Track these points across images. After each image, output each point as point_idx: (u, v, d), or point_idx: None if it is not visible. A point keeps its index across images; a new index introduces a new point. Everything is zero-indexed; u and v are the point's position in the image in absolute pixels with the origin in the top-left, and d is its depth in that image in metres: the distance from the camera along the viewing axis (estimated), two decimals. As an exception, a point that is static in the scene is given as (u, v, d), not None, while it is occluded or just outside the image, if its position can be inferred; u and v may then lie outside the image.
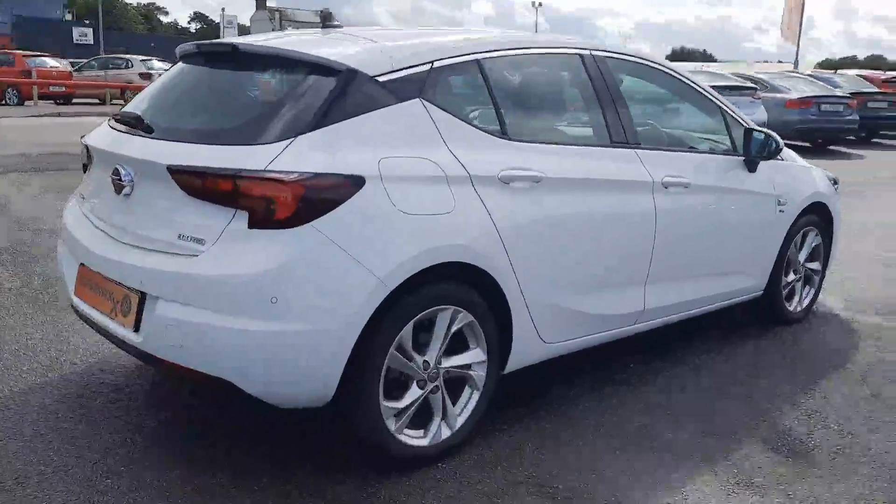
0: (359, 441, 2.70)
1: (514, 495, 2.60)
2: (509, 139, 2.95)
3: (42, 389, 3.29)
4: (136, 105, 3.17)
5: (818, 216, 4.52)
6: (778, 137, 4.02)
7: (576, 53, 3.41)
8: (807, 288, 4.63)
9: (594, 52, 3.46)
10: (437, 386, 2.75)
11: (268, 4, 25.57)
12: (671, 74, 3.85)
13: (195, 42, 3.22)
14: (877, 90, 18.44)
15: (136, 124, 2.94)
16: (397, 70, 2.73)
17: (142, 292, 2.59)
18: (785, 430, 3.15)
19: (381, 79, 2.68)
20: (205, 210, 2.49)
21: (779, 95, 15.25)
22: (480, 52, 3.02)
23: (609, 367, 3.68)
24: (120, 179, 2.74)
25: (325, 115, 2.55)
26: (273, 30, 19.58)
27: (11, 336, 3.88)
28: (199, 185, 2.50)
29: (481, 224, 2.75)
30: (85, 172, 3.28)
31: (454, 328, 2.74)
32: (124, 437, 2.91)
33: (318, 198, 2.42)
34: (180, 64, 3.25)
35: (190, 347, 2.46)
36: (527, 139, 3.04)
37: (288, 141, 2.48)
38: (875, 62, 77.67)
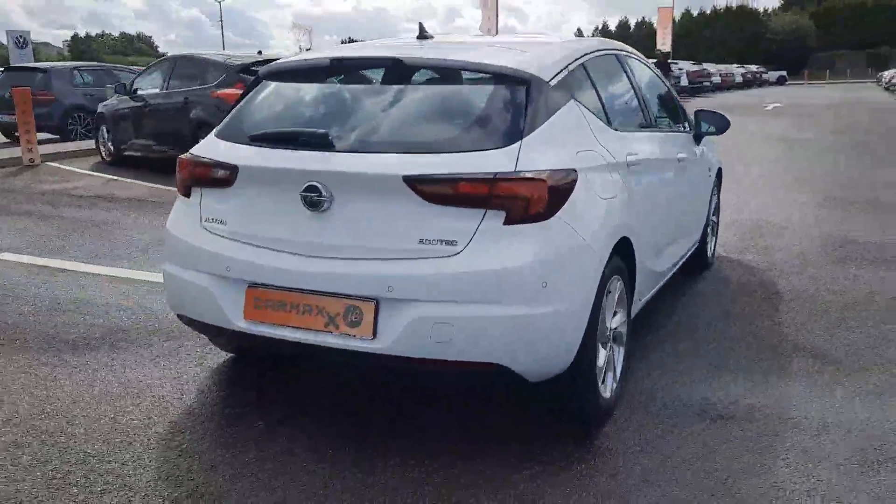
0: (576, 401, 3.02)
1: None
2: (615, 129, 3.44)
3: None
4: (273, 122, 3.19)
5: (717, 178, 5.59)
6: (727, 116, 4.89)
7: (614, 53, 3.98)
8: (711, 236, 5.70)
9: (620, 52, 4.07)
10: (611, 346, 3.19)
11: None
12: (649, 67, 4.58)
13: (339, 56, 3.21)
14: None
15: (308, 140, 2.94)
16: (557, 75, 3.08)
17: (375, 300, 2.68)
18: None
19: (552, 83, 3.02)
20: (448, 213, 2.65)
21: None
22: (587, 56, 3.50)
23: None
24: (319, 195, 2.75)
25: (534, 119, 2.83)
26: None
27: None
28: (446, 191, 2.64)
29: (628, 203, 3.24)
30: (189, 196, 3.16)
31: (617, 294, 3.20)
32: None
33: (560, 191, 2.72)
34: (305, 80, 3.32)
35: (459, 341, 2.61)
36: (622, 129, 3.56)
37: (517, 144, 2.73)
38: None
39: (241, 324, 2.93)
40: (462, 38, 3.69)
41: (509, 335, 2.64)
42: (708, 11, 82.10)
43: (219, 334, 3.19)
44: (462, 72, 3.06)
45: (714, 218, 5.64)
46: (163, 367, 3.75)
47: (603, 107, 3.46)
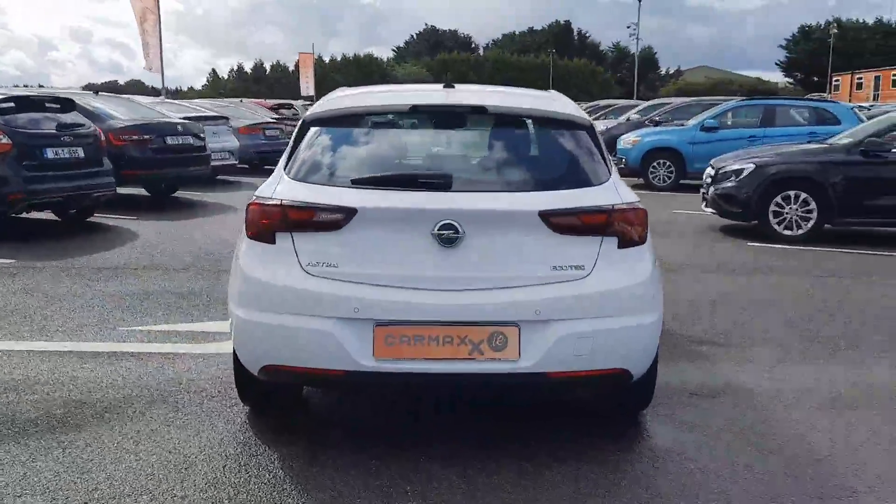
0: (649, 391, 3.70)
1: (684, 404, 4.10)
2: None
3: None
4: (371, 165, 3.45)
5: None
6: None
7: None
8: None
9: None
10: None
11: None
12: None
13: (420, 103, 3.53)
14: (273, 118, 20.90)
15: (431, 182, 3.27)
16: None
17: (517, 324, 3.15)
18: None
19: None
20: (574, 242, 3.22)
21: (233, 123, 16.93)
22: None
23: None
24: (455, 233, 3.12)
25: (606, 158, 3.54)
26: None
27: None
28: (574, 222, 3.22)
29: None
30: (272, 241, 3.23)
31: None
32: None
33: (647, 218, 3.41)
34: (378, 125, 3.61)
35: (594, 352, 3.19)
36: None
37: (610, 180, 3.42)
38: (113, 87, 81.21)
39: (369, 363, 3.11)
40: (483, 87, 4.24)
41: (632, 342, 3.29)
42: (339, 59, 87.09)
43: (337, 379, 3.24)
44: (543, 120, 3.61)
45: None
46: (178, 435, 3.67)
47: None
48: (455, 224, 3.13)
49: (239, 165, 15.97)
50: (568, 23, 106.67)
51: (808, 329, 5.53)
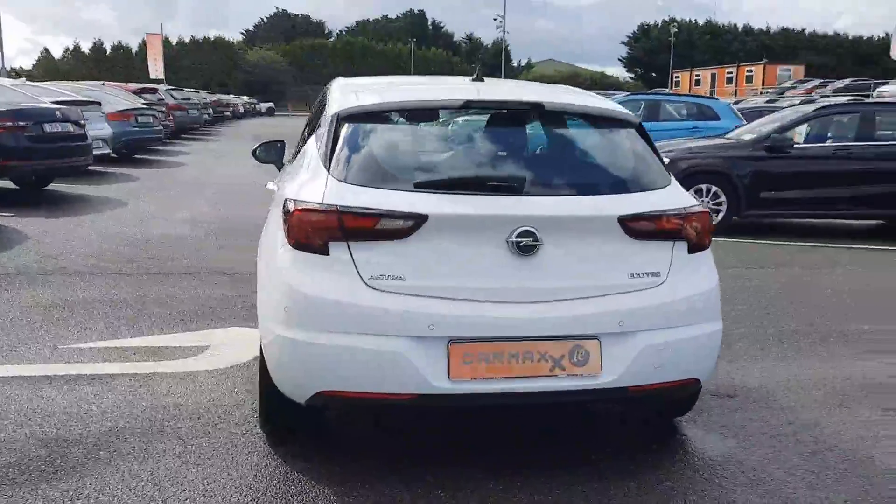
0: (696, 396, 3.60)
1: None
2: None
3: None
4: (430, 166, 3.17)
5: None
6: None
7: None
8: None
9: None
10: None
11: None
12: None
13: (473, 99, 3.26)
14: (143, 104, 19.57)
15: (503, 185, 3.03)
16: None
17: (597, 337, 2.96)
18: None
19: None
20: (648, 247, 3.07)
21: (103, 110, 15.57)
22: None
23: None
24: (534, 240, 2.89)
25: (661, 158, 3.40)
26: None
27: None
28: (650, 227, 3.05)
29: None
30: (326, 252, 2.89)
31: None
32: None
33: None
34: (424, 120, 3.37)
35: (671, 363, 3.06)
36: None
37: (674, 181, 3.30)
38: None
39: (445, 385, 2.84)
40: (512, 81, 3.96)
41: (703, 350, 3.18)
42: (187, 40, 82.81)
43: (405, 403, 2.93)
44: (589, 116, 3.42)
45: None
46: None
47: None
48: (533, 231, 2.90)
49: (112, 155, 14.75)
50: (423, 12, 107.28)
51: (769, 322, 5.70)
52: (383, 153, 3.19)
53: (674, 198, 3.22)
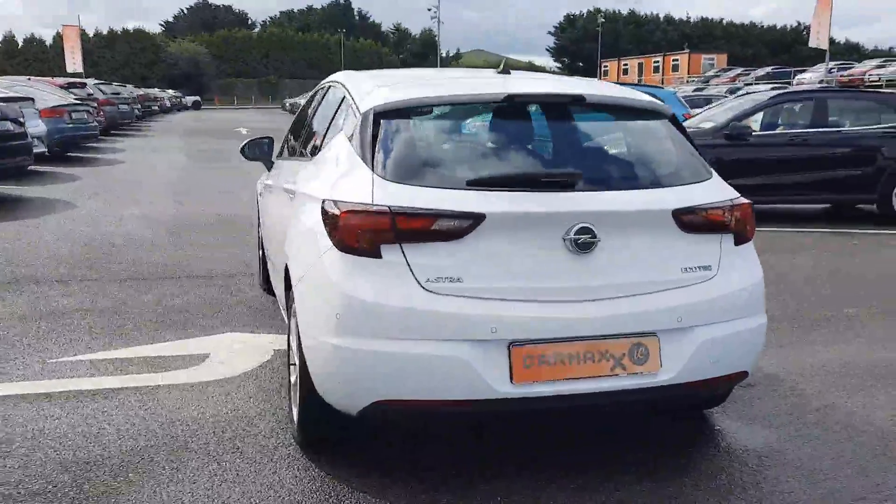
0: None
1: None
2: None
3: None
4: (480, 162, 3.09)
5: None
6: None
7: None
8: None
9: None
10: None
11: None
12: None
13: (516, 93, 3.16)
14: (76, 100, 18.75)
15: (557, 181, 2.95)
16: None
17: (655, 333, 2.92)
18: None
19: None
20: (698, 241, 3.04)
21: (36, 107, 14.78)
22: None
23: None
24: (592, 237, 2.82)
25: (699, 149, 3.37)
26: None
27: None
28: (701, 220, 3.03)
29: None
30: (378, 255, 2.77)
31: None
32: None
33: None
34: (466, 115, 3.30)
35: (726, 357, 3.04)
36: None
37: (713, 175, 3.26)
38: None
39: (508, 389, 2.76)
40: (537, 74, 3.87)
41: (752, 342, 3.17)
42: (105, 32, 79.76)
43: (466, 410, 2.85)
44: (627, 108, 3.37)
45: None
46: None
47: None
48: (591, 227, 2.83)
49: (47, 154, 14.04)
50: (348, 2, 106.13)
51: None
52: (429, 150, 3.08)
53: (720, 190, 3.20)
